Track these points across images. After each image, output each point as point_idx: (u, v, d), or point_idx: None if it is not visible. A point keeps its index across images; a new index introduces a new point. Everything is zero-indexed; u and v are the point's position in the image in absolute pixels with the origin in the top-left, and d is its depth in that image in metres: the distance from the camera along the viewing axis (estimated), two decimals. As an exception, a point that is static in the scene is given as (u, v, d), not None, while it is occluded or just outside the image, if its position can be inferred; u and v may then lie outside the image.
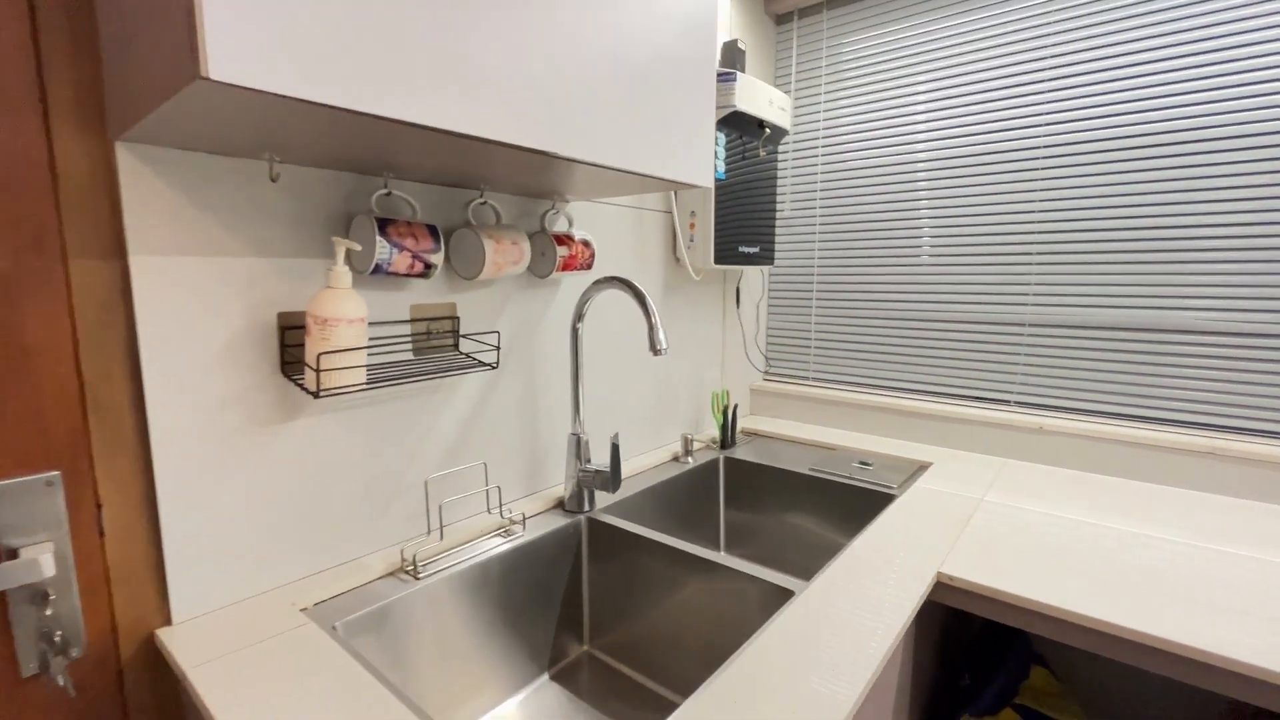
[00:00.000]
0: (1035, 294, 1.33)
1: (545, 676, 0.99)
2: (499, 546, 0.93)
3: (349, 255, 0.77)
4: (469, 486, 0.99)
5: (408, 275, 0.81)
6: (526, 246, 0.94)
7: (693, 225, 1.35)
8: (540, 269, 1.02)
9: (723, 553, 1.27)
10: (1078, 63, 1.23)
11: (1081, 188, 1.25)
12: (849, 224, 1.56)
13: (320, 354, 0.69)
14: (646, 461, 1.31)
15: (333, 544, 0.83)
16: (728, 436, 1.45)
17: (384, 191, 0.81)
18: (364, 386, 0.75)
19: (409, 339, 0.89)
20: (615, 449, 1.01)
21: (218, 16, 0.42)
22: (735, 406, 1.47)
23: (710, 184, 0.92)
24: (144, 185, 0.64)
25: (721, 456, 1.41)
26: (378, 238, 0.76)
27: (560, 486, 1.15)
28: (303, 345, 0.76)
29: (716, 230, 1.32)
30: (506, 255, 0.91)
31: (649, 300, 0.92)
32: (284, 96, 0.45)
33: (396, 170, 0.79)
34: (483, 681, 0.91)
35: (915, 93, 1.43)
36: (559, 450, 1.15)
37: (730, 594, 0.88)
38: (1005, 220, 1.34)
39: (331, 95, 0.48)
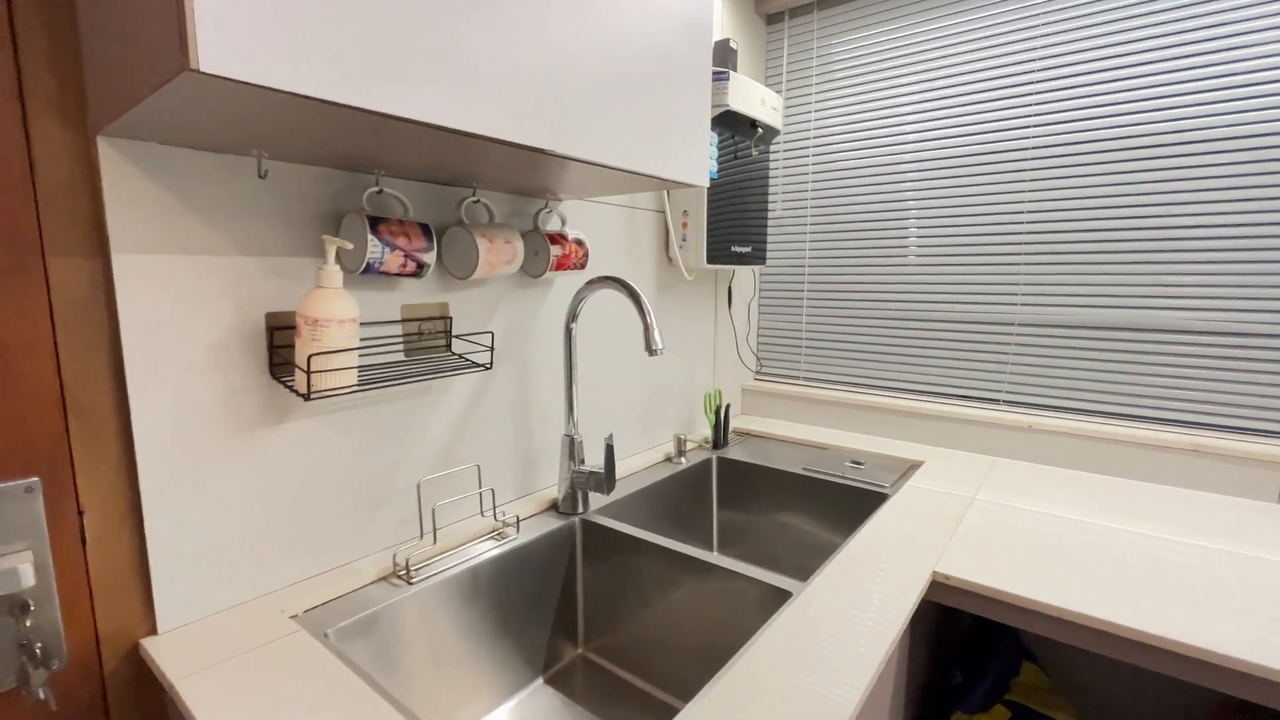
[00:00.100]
0: (1024, 294, 1.34)
1: (540, 680, 0.98)
2: (493, 550, 0.91)
3: (340, 254, 0.75)
4: (462, 489, 0.98)
5: (399, 275, 0.80)
6: (520, 245, 0.93)
7: (685, 225, 1.34)
8: (533, 268, 1.01)
9: (716, 553, 1.27)
10: (1066, 64, 1.24)
11: (1069, 188, 1.27)
12: (840, 224, 1.57)
13: (311, 355, 0.68)
14: (639, 462, 1.31)
15: (323, 549, 0.81)
16: (720, 436, 1.45)
17: (375, 189, 0.79)
18: (355, 388, 0.74)
19: (400, 339, 0.87)
20: (610, 450, 1.00)
21: (207, 5, 0.40)
22: (728, 406, 1.47)
23: (706, 183, 0.91)
24: (127, 181, 0.62)
25: (714, 456, 1.41)
26: (369, 236, 0.74)
27: (554, 488, 1.14)
28: (292, 346, 0.74)
29: (709, 230, 1.32)
30: (500, 254, 0.89)
31: (644, 300, 0.91)
32: (276, 90, 0.44)
33: (388, 167, 0.77)
34: (476, 686, 0.89)
35: (905, 93, 1.44)
36: (552, 452, 1.14)
37: (727, 595, 0.87)
38: (995, 220, 1.36)
39: (324, 90, 0.46)
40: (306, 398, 0.68)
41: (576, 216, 1.14)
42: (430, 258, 0.81)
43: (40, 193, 0.58)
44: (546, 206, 1.05)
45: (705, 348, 1.57)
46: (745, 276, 1.69)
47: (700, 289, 1.52)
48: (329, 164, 0.75)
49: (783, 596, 0.81)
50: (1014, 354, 1.37)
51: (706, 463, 1.39)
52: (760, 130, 1.37)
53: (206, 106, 0.50)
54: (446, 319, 0.93)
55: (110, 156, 0.61)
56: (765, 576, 0.84)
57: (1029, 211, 1.32)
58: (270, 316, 0.74)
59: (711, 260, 1.33)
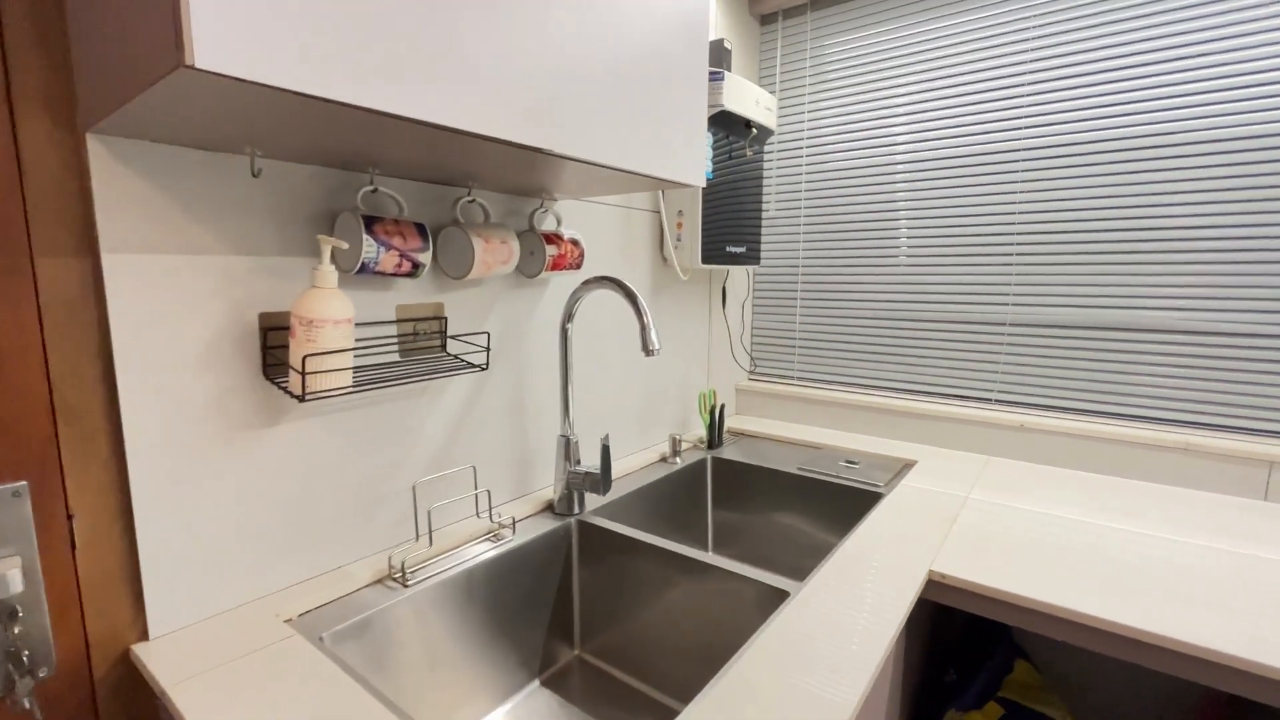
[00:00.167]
0: (1016, 294, 1.35)
1: (536, 683, 0.98)
2: (489, 551, 0.91)
3: (334, 254, 0.75)
4: (458, 490, 0.97)
5: (395, 275, 0.79)
6: (515, 245, 0.92)
7: (680, 225, 1.34)
8: (529, 268, 1.01)
9: (711, 553, 1.27)
10: (1057, 66, 1.26)
11: (1060, 189, 1.28)
12: (833, 224, 1.57)
13: (306, 356, 0.67)
14: (635, 462, 1.30)
15: (318, 552, 0.80)
16: (715, 436, 1.45)
17: (370, 188, 0.79)
18: (350, 389, 0.73)
19: (395, 340, 0.87)
20: (606, 450, 1.00)
21: (203, 0, 0.39)
22: (722, 406, 1.47)
23: (702, 183, 0.91)
24: (117, 179, 0.61)
25: (709, 457, 1.41)
26: (364, 236, 0.73)
27: (549, 489, 1.13)
28: (286, 347, 0.73)
29: (704, 230, 1.32)
30: (496, 254, 0.89)
31: (641, 300, 0.91)
32: (273, 88, 0.43)
33: (382, 166, 0.77)
34: (473, 689, 0.89)
35: (898, 95, 1.44)
36: (547, 452, 1.13)
37: (724, 595, 0.87)
38: (987, 221, 1.37)
39: (324, 88, 0.46)
40: (301, 399, 0.68)
41: (571, 216, 1.14)
42: (426, 258, 0.81)
43: (28, 191, 0.57)
44: (542, 206, 1.04)
45: (700, 348, 1.57)
46: (739, 276, 1.69)
47: (695, 289, 1.52)
48: (323, 162, 0.74)
49: (780, 596, 0.81)
50: (1006, 353, 1.38)
51: (701, 463, 1.39)
52: (755, 130, 1.37)
53: (201, 104, 0.49)
54: (441, 319, 0.92)
55: (100, 154, 0.60)
56: (762, 576, 0.84)
57: (1021, 212, 1.33)
58: (263, 317, 0.73)
59: (706, 260, 1.33)
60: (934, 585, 0.86)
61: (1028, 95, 1.29)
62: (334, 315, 0.68)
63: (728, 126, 1.31)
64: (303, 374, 0.67)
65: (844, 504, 1.23)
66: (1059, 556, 0.89)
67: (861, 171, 1.51)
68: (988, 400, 1.41)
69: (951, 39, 1.36)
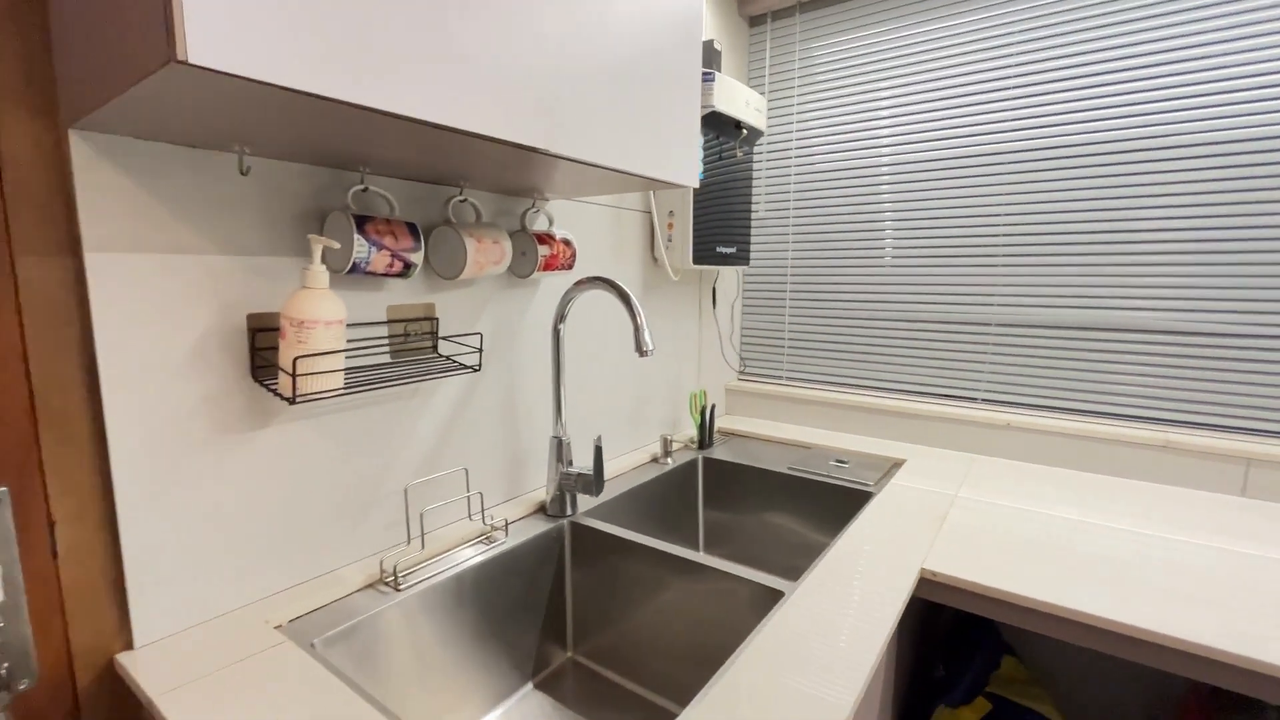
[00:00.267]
0: (1001, 295, 1.37)
1: (529, 685, 0.97)
2: (481, 554, 0.90)
3: (325, 254, 0.73)
4: (449, 493, 0.96)
5: (386, 275, 0.78)
6: (508, 246, 0.92)
7: (671, 225, 1.34)
8: (521, 269, 1.00)
9: (703, 554, 1.27)
10: (1040, 70, 1.27)
11: (1043, 192, 1.30)
12: (822, 225, 1.58)
13: (296, 358, 0.66)
14: (626, 463, 1.30)
15: (308, 556, 0.79)
16: (705, 437, 1.45)
17: (360, 187, 0.78)
18: (342, 391, 0.72)
19: (386, 341, 0.86)
20: (598, 451, 1.00)
21: (196, -6, 0.38)
22: (713, 407, 1.47)
23: (696, 183, 0.91)
24: (100, 177, 0.59)
25: (700, 457, 1.41)
26: (356, 235, 0.72)
27: (541, 490, 1.13)
28: (275, 348, 0.72)
29: (695, 230, 1.32)
30: (488, 255, 0.88)
31: (634, 301, 0.91)
32: (268, 84, 0.42)
33: (373, 165, 0.76)
34: (466, 693, 0.88)
35: (886, 97, 1.46)
36: (538, 453, 1.13)
37: (718, 596, 0.87)
38: (973, 223, 1.38)
39: (320, 85, 0.45)
40: (291, 401, 0.66)
41: (562, 216, 1.13)
42: (418, 258, 0.80)
43: (7, 188, 0.55)
44: (534, 206, 1.04)
45: (690, 348, 1.57)
46: (729, 277, 1.70)
47: (685, 289, 1.52)
48: (313, 161, 0.73)
49: (774, 596, 0.81)
50: (991, 353, 1.40)
51: (692, 463, 1.39)
52: (745, 131, 1.37)
53: (190, 101, 0.48)
54: (433, 320, 0.91)
55: (83, 151, 0.58)
56: (757, 577, 0.84)
57: (1006, 214, 1.34)
58: (252, 318, 0.71)
59: (697, 261, 1.33)
60: (926, 583, 0.87)
61: (1012, 99, 1.31)
62: (325, 316, 0.67)
63: (718, 127, 1.31)
64: (293, 376, 0.66)
65: (835, 503, 1.24)
66: (1047, 553, 0.91)
67: (850, 173, 1.52)
68: (974, 400, 1.43)
69: (937, 43, 1.38)
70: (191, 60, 0.39)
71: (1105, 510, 1.08)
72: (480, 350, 0.92)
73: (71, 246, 0.59)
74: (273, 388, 0.72)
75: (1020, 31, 1.29)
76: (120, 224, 0.61)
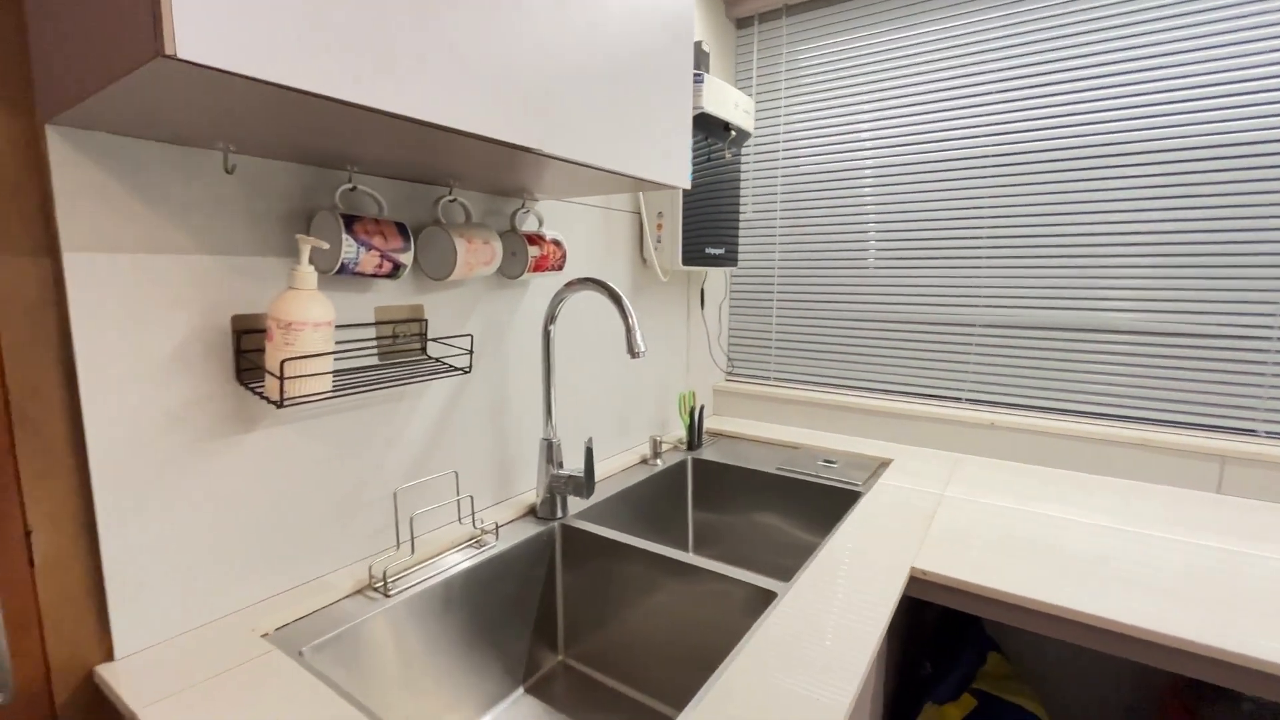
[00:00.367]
0: (985, 296, 1.39)
1: (520, 690, 0.96)
2: (472, 558, 0.89)
3: (313, 254, 0.72)
4: (439, 496, 0.95)
5: (374, 276, 0.77)
6: (498, 246, 0.91)
7: (660, 226, 1.34)
8: (511, 270, 0.99)
9: (693, 555, 1.27)
10: (1020, 76, 1.30)
11: (1024, 196, 1.32)
12: (809, 227, 1.59)
13: (284, 360, 0.64)
14: (616, 464, 1.30)
15: (295, 563, 0.77)
16: (695, 438, 1.45)
17: (348, 186, 0.76)
18: (330, 394, 0.70)
19: (374, 343, 0.84)
20: (589, 453, 0.99)
21: (185, -13, 0.37)
22: (702, 407, 1.47)
23: (687, 184, 0.91)
24: (79, 174, 0.58)
25: (689, 458, 1.41)
26: (344, 235, 0.71)
27: (531, 493, 1.12)
28: (262, 351, 0.71)
29: (684, 231, 1.32)
30: (478, 255, 0.87)
31: (626, 302, 0.90)
32: (260, 81, 0.41)
33: (361, 163, 0.74)
34: (457, 698, 0.87)
35: (872, 100, 1.47)
36: (528, 456, 1.12)
37: (711, 597, 0.87)
38: (957, 225, 1.40)
39: (313, 82, 0.44)
40: (279, 405, 0.65)
41: (551, 216, 1.12)
42: (407, 258, 0.79)
43: (-19, 185, 0.54)
44: (524, 206, 1.03)
45: (679, 349, 1.57)
46: (716, 278, 1.70)
47: (673, 290, 1.52)
48: (300, 159, 0.71)
49: (767, 597, 0.81)
50: (975, 354, 1.42)
51: (682, 464, 1.39)
52: (733, 133, 1.38)
53: (175, 97, 0.47)
54: (421, 321, 0.90)
55: (60, 147, 0.56)
56: (749, 578, 0.84)
57: (988, 217, 1.37)
58: (237, 319, 0.70)
59: (687, 262, 1.33)
60: (916, 582, 0.88)
61: (993, 104, 1.33)
62: (313, 318, 0.66)
63: (706, 128, 1.31)
64: (280, 379, 0.65)
65: (824, 503, 1.25)
66: (1033, 551, 0.92)
67: (836, 175, 1.54)
68: (959, 400, 1.45)
69: (921, 48, 1.40)
70: (180, 55, 0.38)
71: (1087, 508, 1.10)
72: (470, 352, 0.91)
73: (49, 246, 0.57)
74: (259, 391, 0.70)
75: (1000, 39, 1.31)
76: (100, 223, 0.59)
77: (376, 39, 0.48)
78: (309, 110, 0.50)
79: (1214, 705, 1.07)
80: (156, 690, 0.59)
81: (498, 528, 0.98)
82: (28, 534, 0.58)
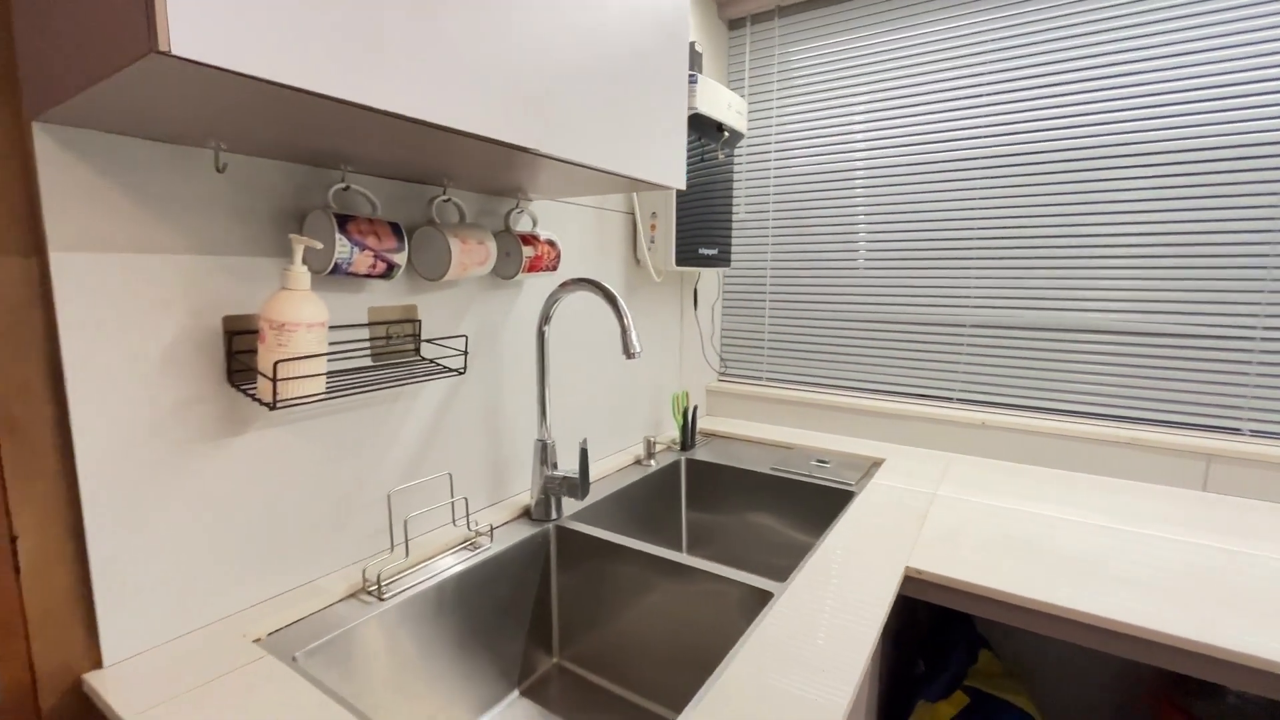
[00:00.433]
0: (975, 297, 1.40)
1: (515, 693, 0.96)
2: (467, 561, 0.88)
3: (306, 254, 0.71)
4: (433, 499, 0.94)
5: (368, 276, 0.76)
6: (492, 246, 0.90)
7: (654, 227, 1.34)
8: (505, 270, 0.98)
9: (687, 555, 1.27)
10: (1012, 80, 1.31)
11: (1015, 198, 1.33)
12: (801, 228, 1.60)
13: (277, 362, 0.64)
14: (610, 465, 1.29)
15: (288, 566, 0.76)
16: (688, 438, 1.45)
17: (341, 185, 0.75)
18: (323, 396, 0.69)
19: (367, 344, 0.83)
20: (584, 454, 0.99)
21: (180, -17, 0.37)
22: (695, 408, 1.47)
23: (683, 185, 0.91)
24: (67, 172, 0.56)
25: (683, 458, 1.41)
26: (338, 235, 0.70)
27: (525, 494, 1.11)
28: (253, 352, 0.70)
29: (678, 232, 1.32)
30: (473, 256, 0.87)
31: (621, 303, 0.90)
32: (255, 79, 0.41)
33: (354, 162, 0.74)
34: (452, 702, 0.86)
35: (864, 101, 1.48)
36: (522, 457, 1.11)
37: (706, 597, 0.87)
38: (947, 227, 1.41)
39: (311, 80, 0.43)
40: (272, 407, 0.64)
41: (545, 217, 1.12)
42: (401, 258, 0.78)
43: (-35, 183, 0.52)
44: (517, 206, 1.02)
45: (672, 349, 1.57)
46: (709, 278, 1.70)
47: (667, 290, 1.52)
48: (292, 158, 0.71)
49: (764, 598, 0.82)
50: (966, 354, 1.43)
51: (675, 464, 1.39)
52: (726, 134, 1.38)
53: (167, 94, 0.46)
54: (415, 322, 0.89)
55: (47, 145, 0.55)
56: (746, 578, 0.84)
57: (979, 219, 1.38)
58: (228, 320, 0.69)
59: (680, 263, 1.33)
60: (911, 581, 0.89)
61: (983, 106, 1.34)
62: (307, 319, 0.65)
63: (700, 129, 1.31)
64: (274, 381, 0.64)
65: (817, 503, 1.25)
66: (1024, 550, 0.93)
67: (828, 176, 1.54)
68: (950, 399, 1.46)
69: (912, 50, 1.41)
70: (174, 51, 0.37)
71: (1077, 506, 1.11)
72: (465, 353, 0.90)
73: (35, 246, 0.56)
74: (251, 393, 0.69)
75: (991, 41, 1.32)
76: (88, 222, 0.58)
77: (375, 37, 0.47)
78: (303, 108, 0.49)
79: (1200, 700, 1.09)
80: (146, 698, 0.58)
81: (492, 530, 0.97)
82: (13, 539, 0.57)
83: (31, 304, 0.56)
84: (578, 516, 1.07)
